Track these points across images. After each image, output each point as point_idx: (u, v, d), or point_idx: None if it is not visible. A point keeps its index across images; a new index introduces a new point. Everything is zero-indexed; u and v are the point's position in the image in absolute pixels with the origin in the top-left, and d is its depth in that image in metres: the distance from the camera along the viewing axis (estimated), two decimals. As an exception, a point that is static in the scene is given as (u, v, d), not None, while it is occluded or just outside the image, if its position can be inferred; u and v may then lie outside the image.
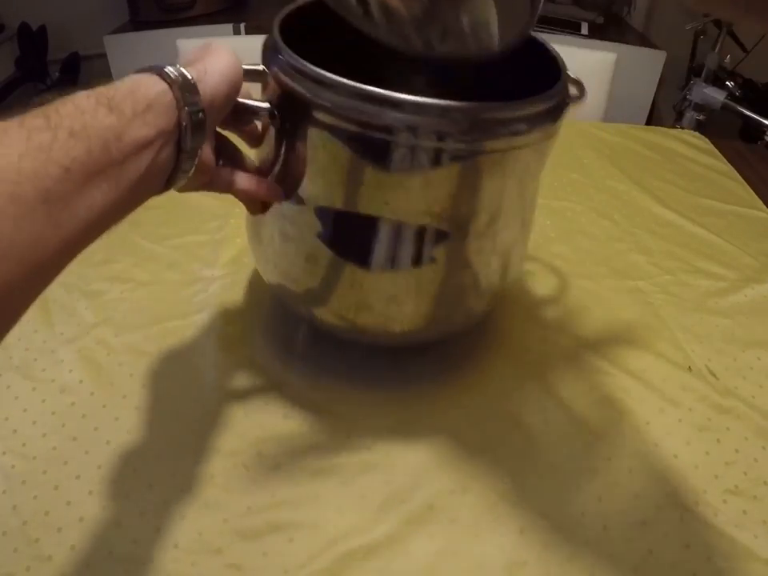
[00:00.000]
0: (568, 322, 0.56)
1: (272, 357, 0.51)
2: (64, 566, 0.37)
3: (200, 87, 0.30)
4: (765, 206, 0.76)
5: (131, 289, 0.58)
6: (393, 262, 0.41)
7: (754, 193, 0.78)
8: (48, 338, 0.52)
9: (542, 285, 0.60)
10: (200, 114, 0.30)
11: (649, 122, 1.69)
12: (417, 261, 0.41)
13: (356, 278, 0.42)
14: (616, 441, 0.46)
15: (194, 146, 0.31)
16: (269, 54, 0.38)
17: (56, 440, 0.44)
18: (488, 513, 0.41)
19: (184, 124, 0.30)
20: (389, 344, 0.50)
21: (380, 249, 0.40)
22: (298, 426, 0.46)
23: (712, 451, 0.45)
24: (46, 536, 0.39)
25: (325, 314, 0.46)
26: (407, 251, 0.40)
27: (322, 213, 0.40)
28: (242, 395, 0.48)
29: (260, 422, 0.46)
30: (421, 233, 0.40)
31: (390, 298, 0.43)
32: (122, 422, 0.46)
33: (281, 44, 0.37)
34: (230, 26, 1.56)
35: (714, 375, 0.52)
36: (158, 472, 0.42)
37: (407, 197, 0.38)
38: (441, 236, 0.40)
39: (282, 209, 0.42)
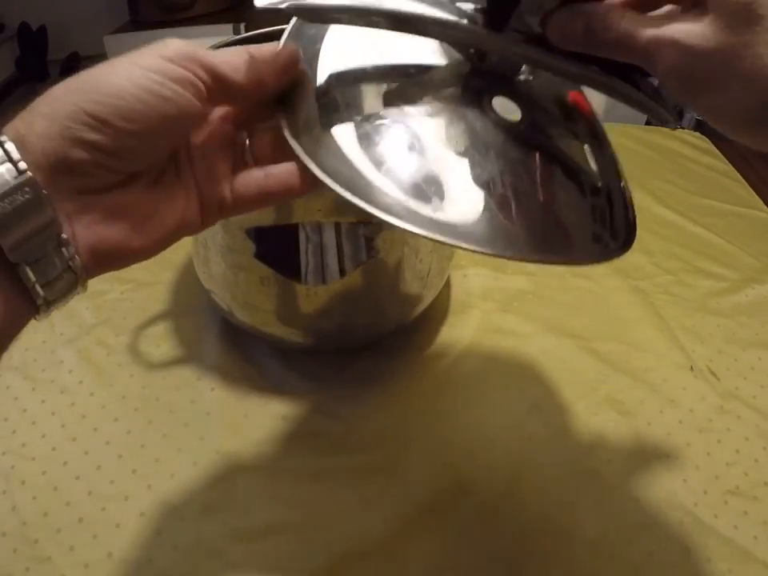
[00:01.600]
0: (568, 322, 0.56)
1: (272, 357, 0.51)
2: (63, 567, 0.37)
3: (22, 149, 0.20)
4: (765, 206, 0.76)
5: (131, 289, 0.58)
6: (341, 265, 0.44)
7: (754, 193, 0.78)
8: (48, 338, 0.52)
9: (542, 285, 0.60)
10: (23, 195, 0.19)
11: (649, 122, 1.69)
12: (365, 256, 0.44)
13: (309, 290, 0.45)
14: (616, 442, 0.46)
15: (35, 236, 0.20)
16: None
17: (55, 441, 0.44)
18: (488, 515, 0.41)
19: None
20: (349, 345, 0.51)
21: (328, 256, 0.43)
22: (298, 426, 0.46)
23: (713, 452, 0.45)
24: (45, 537, 0.39)
25: (283, 330, 0.48)
26: (354, 250, 0.43)
27: (258, 235, 0.43)
28: (242, 395, 0.48)
29: (260, 423, 0.46)
30: (356, 229, 0.43)
31: (343, 299, 0.45)
32: (121, 422, 0.46)
33: None
34: (229, 26, 1.56)
35: (715, 376, 0.51)
36: (157, 473, 0.42)
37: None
38: (375, 228, 0.43)
39: (219, 240, 0.44)
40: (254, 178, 0.26)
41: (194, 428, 0.45)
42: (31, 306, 0.22)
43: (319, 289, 0.45)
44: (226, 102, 0.24)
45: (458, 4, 0.26)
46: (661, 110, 0.27)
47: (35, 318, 0.22)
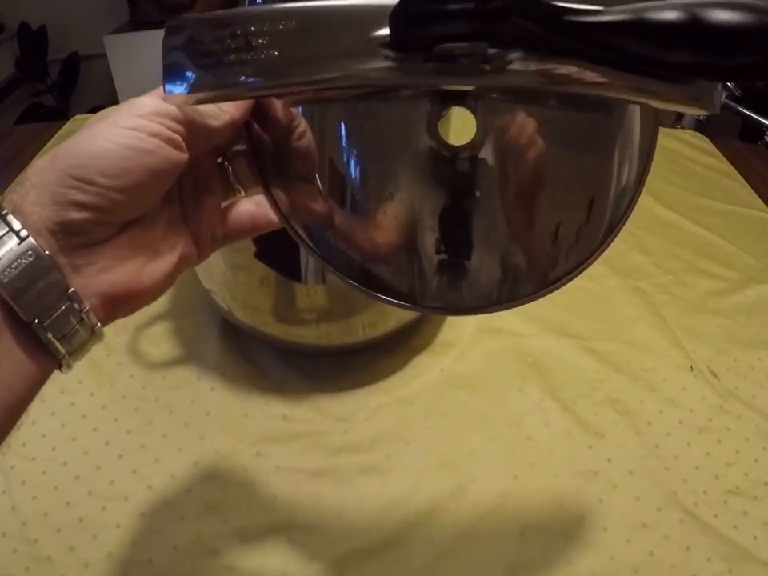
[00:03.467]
0: (568, 322, 0.56)
1: (272, 357, 0.51)
2: (63, 567, 0.37)
3: (20, 218, 0.21)
4: (765, 206, 0.76)
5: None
6: None
7: (754, 193, 0.78)
8: (47, 338, 0.52)
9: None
10: (27, 258, 0.20)
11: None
12: None
13: (309, 290, 0.45)
14: (616, 442, 0.46)
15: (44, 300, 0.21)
16: None
17: (55, 441, 0.44)
18: (488, 515, 0.41)
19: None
20: (349, 345, 0.51)
21: None
22: (298, 426, 0.46)
23: (713, 452, 0.45)
24: (45, 537, 0.39)
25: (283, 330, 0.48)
26: None
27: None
28: (242, 395, 0.48)
29: (260, 423, 0.46)
30: None
31: (343, 299, 0.45)
32: (121, 422, 0.46)
33: None
34: (229, 26, 1.56)
35: (715, 376, 0.51)
36: (156, 473, 0.42)
37: None
38: None
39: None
40: (246, 208, 0.27)
41: (194, 428, 0.45)
42: (52, 361, 0.23)
43: (319, 289, 0.45)
44: (205, 145, 0.25)
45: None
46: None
47: (60, 371, 0.23)
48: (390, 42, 0.21)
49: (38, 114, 1.80)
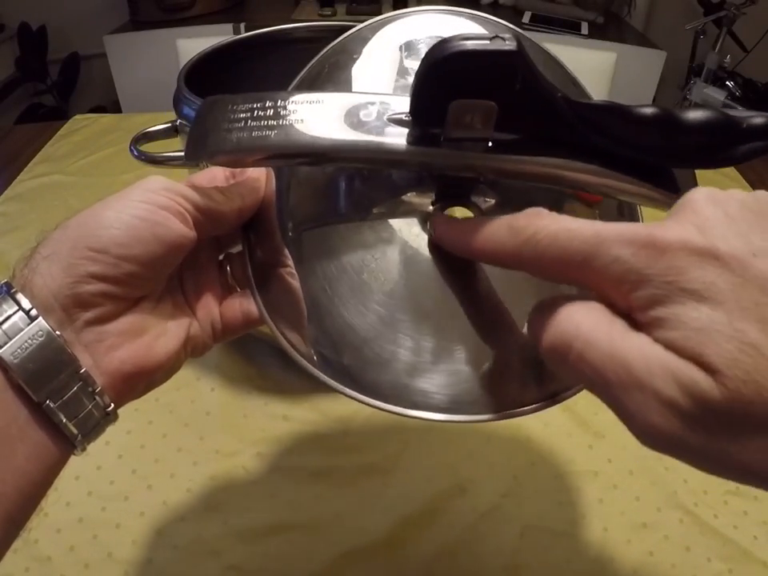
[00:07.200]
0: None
1: (272, 357, 0.51)
2: (63, 567, 0.37)
3: (29, 294, 0.21)
4: (765, 207, 0.76)
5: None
6: None
7: (754, 193, 0.78)
8: (47, 338, 0.52)
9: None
10: (37, 338, 0.20)
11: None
12: None
13: None
14: (616, 442, 0.46)
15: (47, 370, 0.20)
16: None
17: (55, 441, 0.44)
18: (488, 515, 0.41)
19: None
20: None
21: None
22: (298, 426, 0.46)
23: (713, 452, 0.45)
24: (45, 537, 0.39)
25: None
26: None
27: None
28: (242, 395, 0.48)
29: (260, 423, 0.46)
30: None
31: None
32: (121, 423, 0.45)
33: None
34: (229, 26, 1.57)
35: (715, 376, 0.51)
36: (157, 473, 0.42)
37: None
38: None
39: None
40: (239, 302, 0.27)
41: (194, 428, 0.45)
42: (68, 444, 0.22)
43: None
44: (211, 229, 0.25)
45: (389, 119, 0.23)
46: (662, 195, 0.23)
47: (74, 454, 0.23)
48: (408, 113, 0.22)
49: (38, 114, 1.80)
